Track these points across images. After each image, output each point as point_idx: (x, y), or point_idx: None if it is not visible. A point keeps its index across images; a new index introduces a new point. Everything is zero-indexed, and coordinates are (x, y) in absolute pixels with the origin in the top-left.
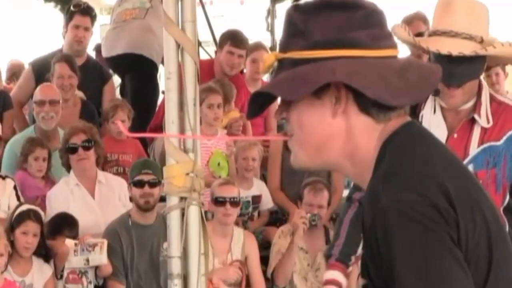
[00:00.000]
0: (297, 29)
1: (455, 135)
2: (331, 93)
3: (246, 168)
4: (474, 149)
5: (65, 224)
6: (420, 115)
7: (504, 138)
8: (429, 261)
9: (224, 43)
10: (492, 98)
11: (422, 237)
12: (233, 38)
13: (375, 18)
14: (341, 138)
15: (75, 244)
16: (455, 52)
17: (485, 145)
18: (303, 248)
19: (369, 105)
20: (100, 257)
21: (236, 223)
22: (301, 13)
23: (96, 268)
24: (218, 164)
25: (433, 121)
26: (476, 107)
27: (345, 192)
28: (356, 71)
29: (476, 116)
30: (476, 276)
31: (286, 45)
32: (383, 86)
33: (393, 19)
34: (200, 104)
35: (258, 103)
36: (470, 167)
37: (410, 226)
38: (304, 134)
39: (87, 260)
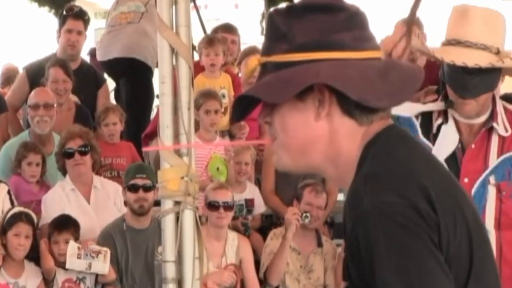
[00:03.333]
0: (280, 33)
1: (473, 146)
2: (314, 96)
3: (239, 172)
4: (494, 159)
5: (70, 222)
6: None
7: None
8: (410, 262)
9: (216, 32)
10: (505, 108)
11: (403, 238)
12: (224, 27)
13: (357, 20)
14: (324, 141)
15: (78, 248)
16: (470, 64)
17: (505, 156)
18: (295, 249)
19: (352, 108)
20: (103, 266)
21: (236, 228)
22: (284, 16)
23: (98, 274)
24: (217, 169)
25: (443, 131)
26: (493, 116)
27: (339, 196)
28: (339, 73)
29: (494, 125)
30: (457, 278)
31: (269, 49)
32: (367, 88)
33: (386, 22)
34: (198, 109)
35: (242, 107)
36: (492, 179)
37: (391, 228)
38: (287, 137)
39: (89, 265)
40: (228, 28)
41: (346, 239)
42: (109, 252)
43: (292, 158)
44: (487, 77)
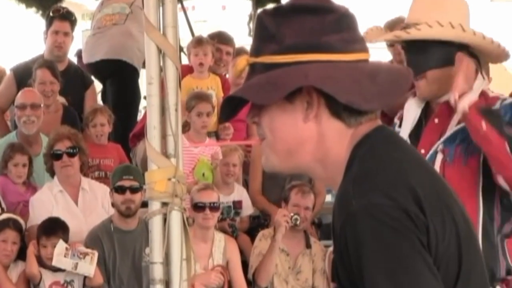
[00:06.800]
0: (269, 33)
1: (436, 120)
2: (302, 98)
3: (227, 173)
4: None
5: (58, 226)
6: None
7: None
8: (398, 263)
9: (212, 40)
10: (482, 93)
11: (391, 240)
12: (220, 36)
13: (346, 22)
14: (312, 143)
15: (66, 248)
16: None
17: (459, 126)
18: (284, 250)
19: (341, 110)
20: (89, 267)
21: (224, 230)
22: (273, 17)
23: (86, 277)
24: (203, 174)
25: (407, 105)
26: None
27: (328, 197)
28: (328, 75)
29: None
30: (445, 280)
31: (258, 50)
32: (355, 90)
33: (375, 23)
34: (190, 111)
35: (231, 107)
36: (441, 146)
37: (380, 230)
38: (275, 138)
39: (76, 266)
40: (223, 39)
41: (334, 240)
42: (96, 254)
43: (280, 159)
44: (428, 53)
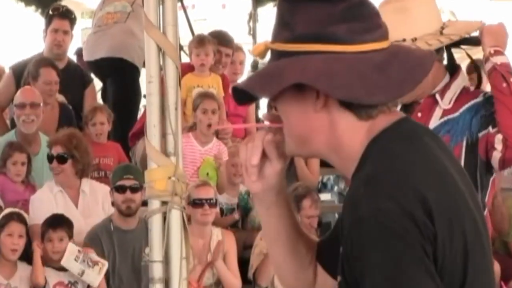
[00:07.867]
0: (284, 20)
1: (419, 114)
2: (311, 88)
3: (234, 173)
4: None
5: (64, 221)
6: None
7: (462, 109)
8: (400, 271)
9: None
10: (465, 88)
11: (396, 247)
12: (220, 37)
13: (359, 10)
14: (324, 132)
15: (79, 251)
16: None
17: (443, 119)
18: None
19: (348, 102)
20: (96, 277)
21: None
22: (289, 3)
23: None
24: (207, 174)
25: None
26: (444, 89)
27: (327, 196)
28: (326, 69)
29: (437, 96)
30: None
31: (274, 36)
32: (358, 84)
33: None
34: (195, 110)
35: (244, 94)
36: None
37: (385, 236)
38: (289, 126)
39: (82, 272)
40: (224, 41)
41: (342, 238)
42: (106, 266)
43: (296, 145)
44: None
